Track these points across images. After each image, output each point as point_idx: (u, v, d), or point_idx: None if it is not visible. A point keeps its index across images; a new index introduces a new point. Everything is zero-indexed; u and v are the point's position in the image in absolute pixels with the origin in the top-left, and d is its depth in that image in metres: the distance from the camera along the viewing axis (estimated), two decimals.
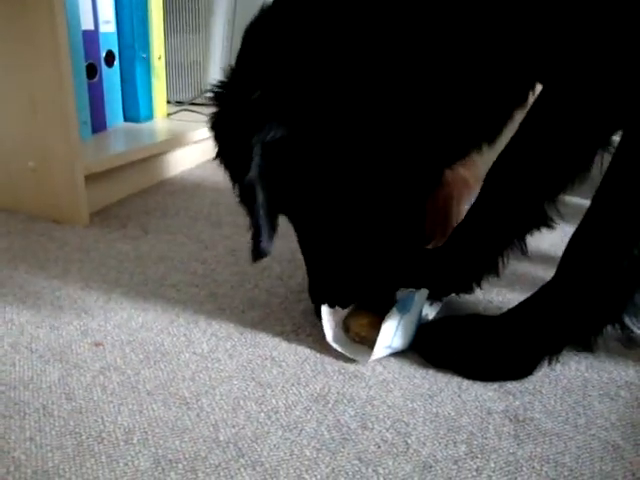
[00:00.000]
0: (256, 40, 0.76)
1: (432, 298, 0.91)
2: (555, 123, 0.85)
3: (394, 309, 0.84)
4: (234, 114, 0.75)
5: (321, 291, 0.89)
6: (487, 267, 0.94)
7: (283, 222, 0.85)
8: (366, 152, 0.76)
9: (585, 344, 0.79)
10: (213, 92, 0.77)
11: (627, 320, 0.76)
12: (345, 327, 0.88)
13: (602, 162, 0.83)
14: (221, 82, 0.78)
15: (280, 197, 0.79)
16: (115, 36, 1.51)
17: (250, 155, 0.72)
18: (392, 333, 0.83)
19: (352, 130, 0.74)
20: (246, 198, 0.77)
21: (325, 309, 0.87)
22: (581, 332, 0.78)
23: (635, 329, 0.77)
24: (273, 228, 0.80)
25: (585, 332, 0.78)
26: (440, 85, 0.74)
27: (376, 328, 0.82)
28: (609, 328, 0.78)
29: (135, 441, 0.69)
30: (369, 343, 0.83)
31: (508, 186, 0.90)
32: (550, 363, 0.80)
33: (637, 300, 0.75)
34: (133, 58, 1.56)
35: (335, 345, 0.85)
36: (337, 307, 0.88)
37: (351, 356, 0.84)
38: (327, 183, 0.78)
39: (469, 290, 0.95)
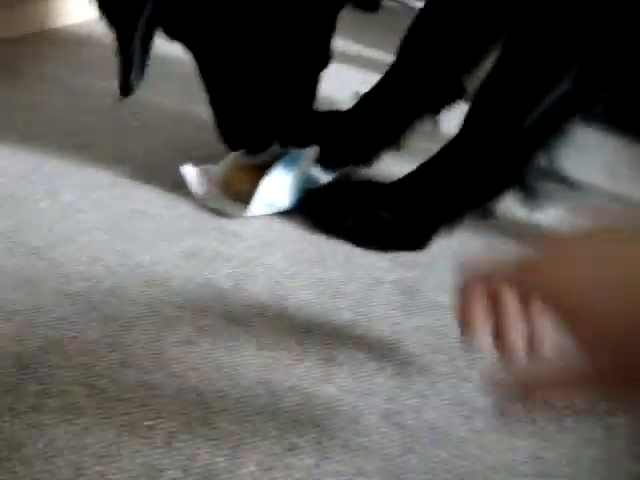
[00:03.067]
0: None
1: (328, 167, 0.82)
2: None
3: (277, 164, 0.75)
4: None
5: (228, 130, 0.80)
6: (391, 140, 0.86)
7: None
8: None
9: (486, 211, 0.74)
10: None
11: (529, 182, 0.71)
12: (225, 184, 0.78)
13: None
14: None
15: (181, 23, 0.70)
16: None
17: None
18: (273, 189, 0.74)
19: None
20: (127, 12, 0.65)
21: (191, 169, 0.78)
22: (482, 196, 0.73)
23: (537, 189, 0.72)
24: (146, 57, 0.69)
25: (486, 196, 0.73)
26: None
27: (257, 185, 0.73)
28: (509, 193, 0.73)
29: None
30: (249, 200, 0.74)
31: (425, 52, 0.82)
32: (448, 231, 0.75)
33: (539, 160, 0.70)
34: None
35: (207, 201, 0.76)
36: (210, 166, 0.80)
37: (226, 211, 0.75)
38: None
39: (367, 163, 0.87)
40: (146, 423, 0.48)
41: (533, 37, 0.68)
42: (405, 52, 0.84)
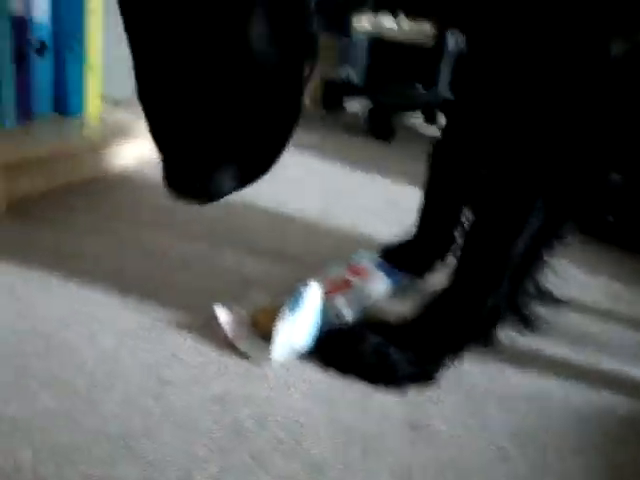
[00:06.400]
0: None
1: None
2: None
3: (284, 307, 0.82)
4: None
5: (174, 173, 0.70)
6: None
7: None
8: None
9: (485, 339, 0.83)
10: None
11: (521, 307, 0.84)
12: (253, 321, 0.87)
13: None
14: None
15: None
16: (49, 25, 1.46)
17: None
18: (288, 331, 0.81)
19: None
20: None
21: (223, 310, 0.86)
22: (482, 327, 0.82)
23: (530, 313, 0.85)
24: None
25: (485, 326, 0.82)
26: None
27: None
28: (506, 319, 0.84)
29: (18, 432, 0.66)
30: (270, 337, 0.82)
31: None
32: (453, 363, 0.83)
33: (526, 286, 0.83)
34: (65, 48, 1.51)
35: (237, 343, 0.84)
36: (239, 308, 0.89)
37: (252, 355, 0.82)
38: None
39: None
40: None
41: (501, 185, 0.79)
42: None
